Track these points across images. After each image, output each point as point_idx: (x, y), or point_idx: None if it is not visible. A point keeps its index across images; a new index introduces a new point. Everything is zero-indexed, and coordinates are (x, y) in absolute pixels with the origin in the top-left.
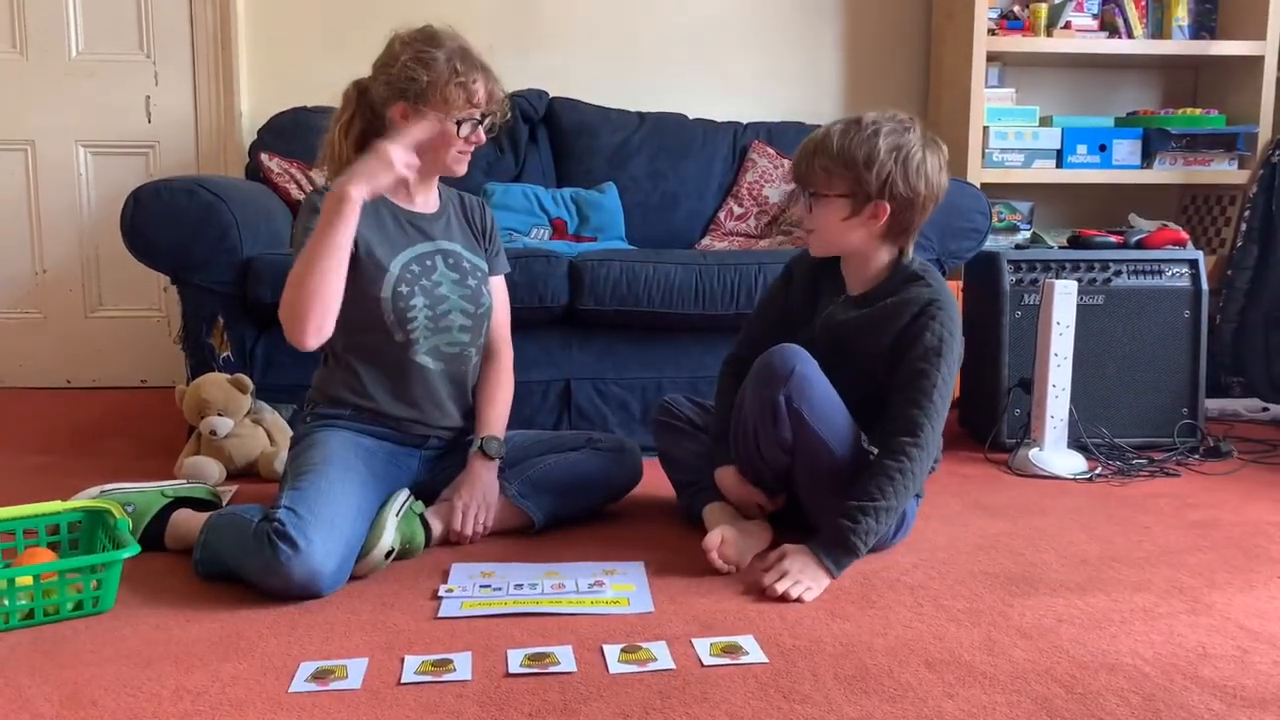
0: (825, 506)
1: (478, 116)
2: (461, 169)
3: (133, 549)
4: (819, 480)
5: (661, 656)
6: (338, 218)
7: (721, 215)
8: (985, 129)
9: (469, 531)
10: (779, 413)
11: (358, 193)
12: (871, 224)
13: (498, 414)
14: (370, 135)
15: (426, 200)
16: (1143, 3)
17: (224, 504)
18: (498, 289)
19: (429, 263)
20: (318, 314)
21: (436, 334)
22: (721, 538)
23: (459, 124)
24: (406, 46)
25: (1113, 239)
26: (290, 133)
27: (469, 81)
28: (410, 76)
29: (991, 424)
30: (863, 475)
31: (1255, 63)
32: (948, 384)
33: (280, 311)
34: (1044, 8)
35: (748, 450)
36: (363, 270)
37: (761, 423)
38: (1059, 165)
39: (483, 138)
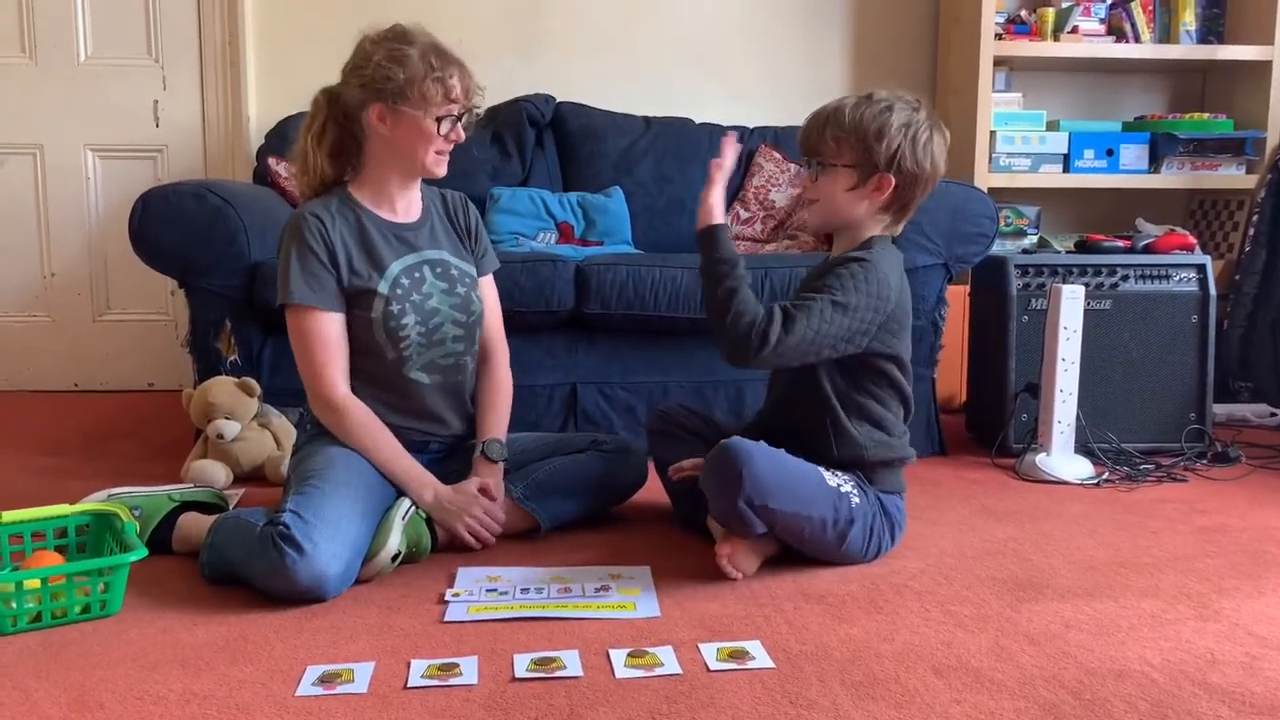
0: (820, 551)
1: (456, 113)
2: (441, 170)
3: (140, 552)
4: (806, 542)
5: (668, 661)
6: (401, 480)
7: (728, 219)
8: (992, 133)
9: (483, 535)
10: (746, 516)
11: (429, 502)
12: (874, 197)
13: (498, 417)
14: (346, 142)
15: (409, 208)
16: (1150, 7)
17: (230, 507)
18: (487, 288)
19: (417, 275)
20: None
21: (430, 349)
22: (733, 545)
23: (439, 121)
24: (378, 46)
25: (1120, 244)
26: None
27: (446, 76)
28: (386, 76)
29: (998, 429)
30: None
31: (1263, 67)
32: (832, 312)
33: (325, 418)
34: (1051, 12)
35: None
36: (351, 292)
37: (732, 525)
38: (1066, 170)
39: (461, 135)
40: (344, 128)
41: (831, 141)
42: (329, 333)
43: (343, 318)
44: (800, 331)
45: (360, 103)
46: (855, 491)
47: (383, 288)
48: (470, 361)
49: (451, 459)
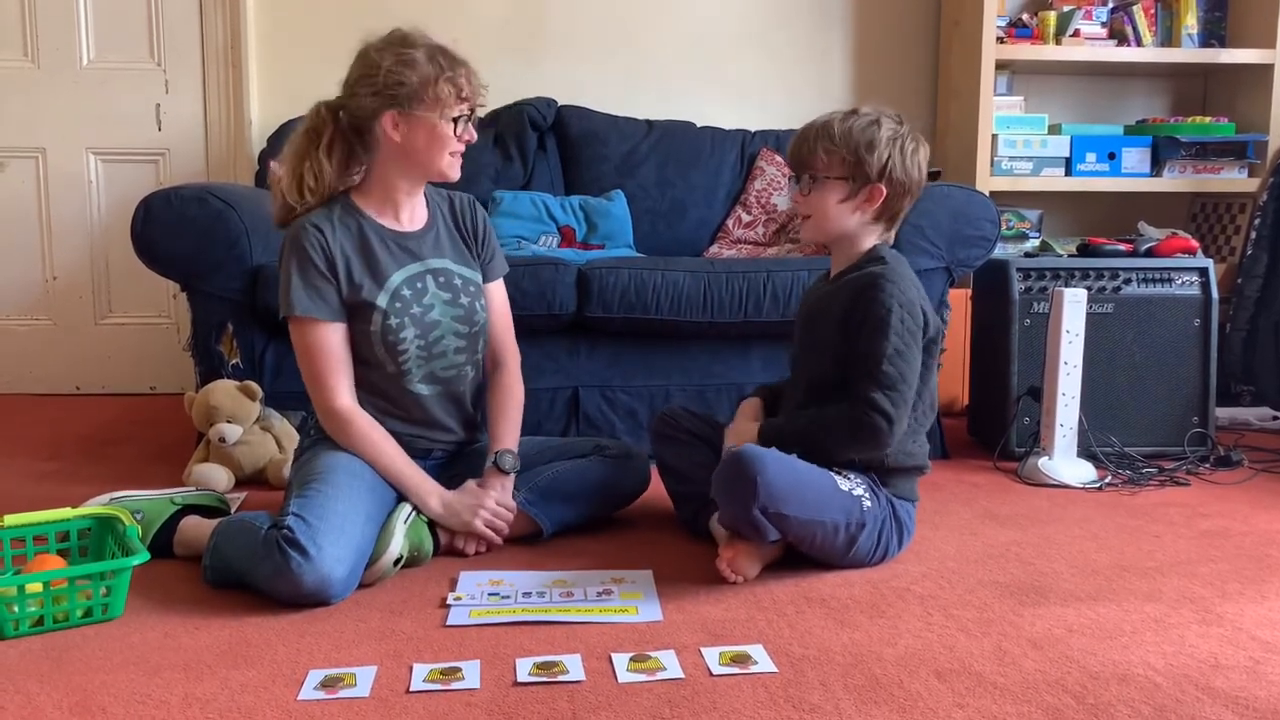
0: (828, 555)
1: (466, 112)
2: (456, 173)
3: (142, 556)
4: (816, 547)
5: (670, 665)
6: (406, 489)
7: (730, 223)
8: (994, 137)
9: (497, 524)
10: (759, 524)
11: (435, 509)
12: (866, 207)
13: (510, 426)
14: (353, 153)
15: (413, 215)
16: (1152, 11)
17: (232, 511)
18: (496, 293)
19: (419, 285)
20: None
21: (430, 361)
22: (735, 549)
23: (454, 121)
24: (384, 52)
25: (1122, 247)
26: None
27: (456, 76)
28: (398, 81)
29: (1001, 432)
30: (827, 410)
31: (1265, 71)
32: (902, 355)
33: (329, 427)
34: (1053, 15)
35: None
36: (351, 305)
37: (744, 532)
38: (1068, 173)
39: (474, 135)
40: (351, 140)
41: (823, 155)
42: (331, 343)
43: (345, 328)
44: (888, 407)
45: (373, 112)
46: (867, 494)
47: (381, 301)
48: (471, 370)
49: (455, 464)
